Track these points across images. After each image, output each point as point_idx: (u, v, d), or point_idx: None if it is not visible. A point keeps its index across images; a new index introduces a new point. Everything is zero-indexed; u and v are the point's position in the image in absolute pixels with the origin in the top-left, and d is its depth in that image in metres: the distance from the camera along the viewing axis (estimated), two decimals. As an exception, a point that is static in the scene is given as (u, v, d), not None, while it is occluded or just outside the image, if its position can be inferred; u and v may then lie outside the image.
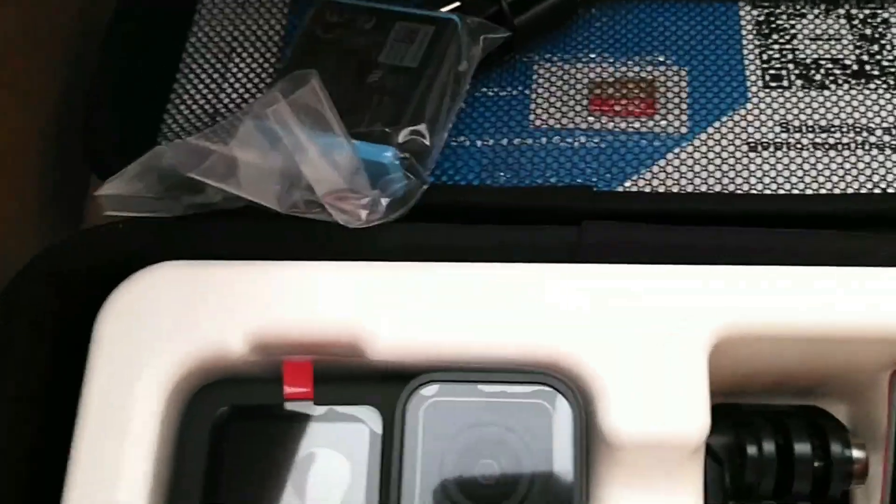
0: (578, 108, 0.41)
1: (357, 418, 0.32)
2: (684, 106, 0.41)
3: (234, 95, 0.42)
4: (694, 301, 0.33)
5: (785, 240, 0.35)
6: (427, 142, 0.35)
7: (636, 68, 0.42)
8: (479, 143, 0.40)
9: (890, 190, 0.38)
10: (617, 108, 0.41)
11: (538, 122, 0.41)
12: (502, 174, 0.39)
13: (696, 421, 0.32)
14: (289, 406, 0.33)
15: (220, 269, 0.34)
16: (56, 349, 0.35)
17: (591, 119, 0.41)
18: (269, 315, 0.33)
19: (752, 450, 0.34)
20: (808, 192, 0.38)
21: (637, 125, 0.40)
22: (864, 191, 0.38)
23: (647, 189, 0.39)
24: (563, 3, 0.41)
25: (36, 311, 0.34)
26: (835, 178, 0.38)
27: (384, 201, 0.33)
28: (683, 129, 0.40)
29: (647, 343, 0.32)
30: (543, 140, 0.40)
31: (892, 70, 0.41)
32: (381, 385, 0.33)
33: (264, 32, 0.43)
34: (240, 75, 0.42)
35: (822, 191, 0.38)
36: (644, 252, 0.35)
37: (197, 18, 0.44)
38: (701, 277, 0.33)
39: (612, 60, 0.42)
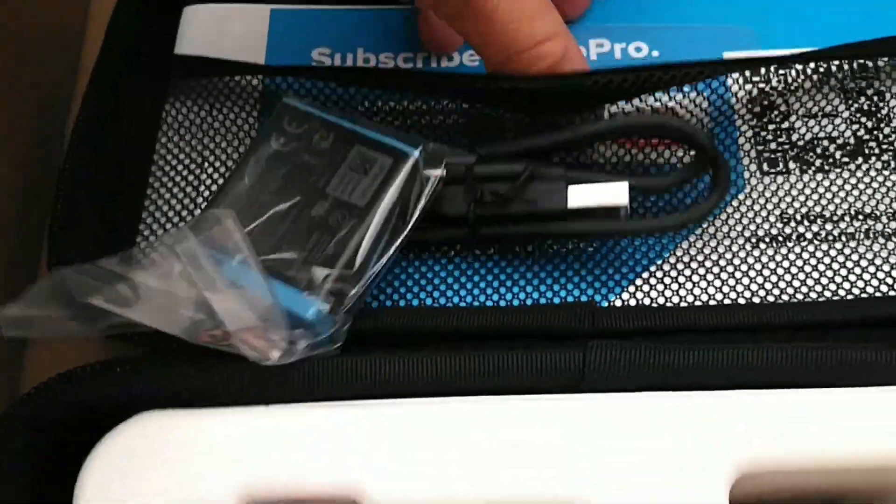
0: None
1: (360, 577, 0.31)
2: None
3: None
4: (713, 433, 0.31)
5: (800, 356, 0.33)
6: (353, 288, 0.33)
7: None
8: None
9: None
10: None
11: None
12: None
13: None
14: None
15: (206, 419, 0.32)
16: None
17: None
18: (261, 472, 0.31)
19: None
20: (814, 294, 0.36)
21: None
22: (870, 289, 0.36)
23: (649, 296, 0.37)
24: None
25: (14, 467, 0.32)
26: (838, 279, 0.37)
27: (303, 342, 0.32)
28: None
29: (666, 482, 0.31)
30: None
31: (891, 148, 0.39)
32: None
33: (234, 135, 0.41)
34: (213, 188, 0.40)
35: (829, 293, 0.36)
36: (653, 374, 0.33)
37: (164, 129, 0.42)
38: (720, 406, 0.32)
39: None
